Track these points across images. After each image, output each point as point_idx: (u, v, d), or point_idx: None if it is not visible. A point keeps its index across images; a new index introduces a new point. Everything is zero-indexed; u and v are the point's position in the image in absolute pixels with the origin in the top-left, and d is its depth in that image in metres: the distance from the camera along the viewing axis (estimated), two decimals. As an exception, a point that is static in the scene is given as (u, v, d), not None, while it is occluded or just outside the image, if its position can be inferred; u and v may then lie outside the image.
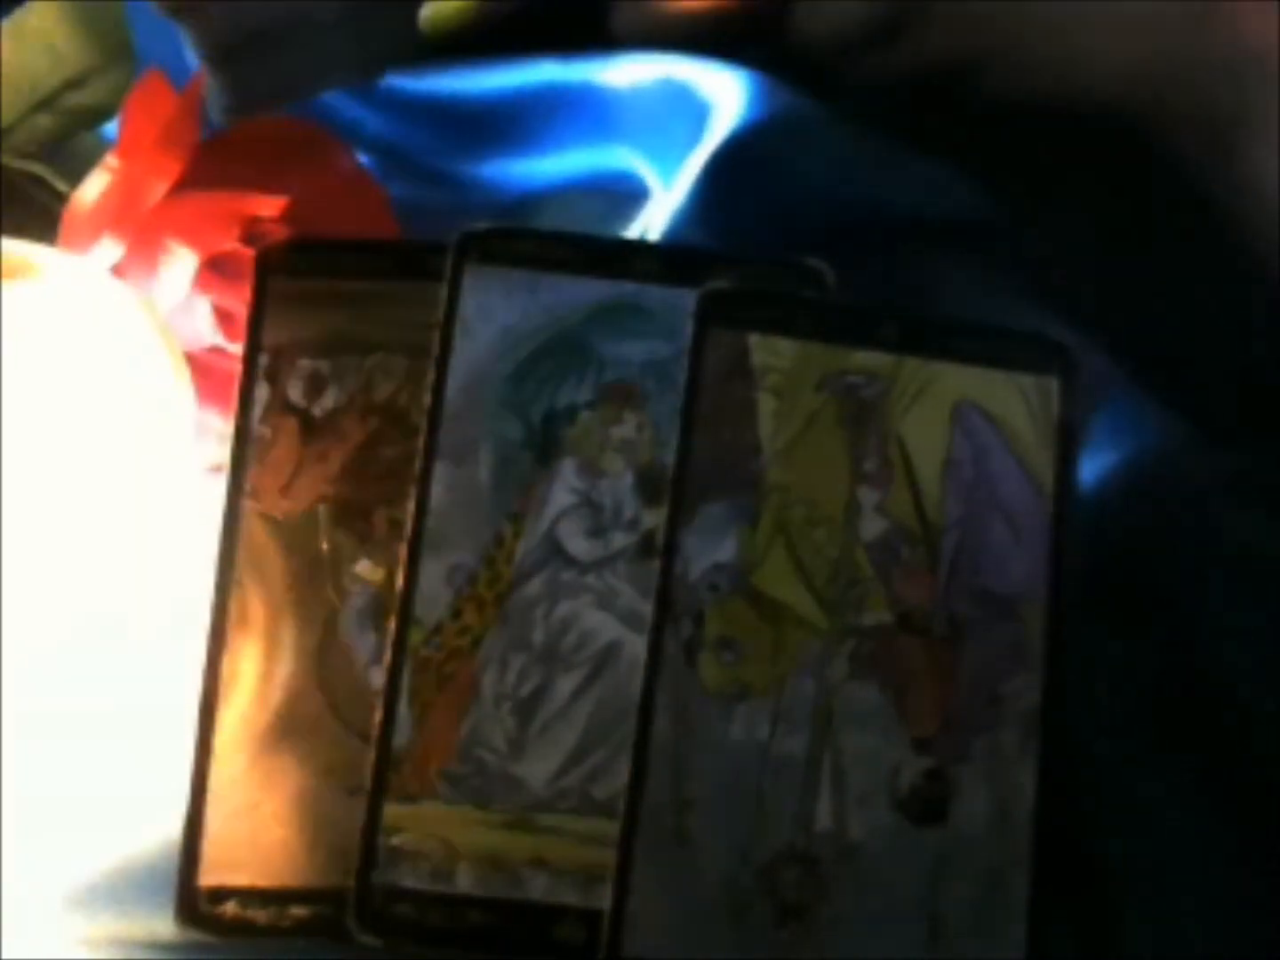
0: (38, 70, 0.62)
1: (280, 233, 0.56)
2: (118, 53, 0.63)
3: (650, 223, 0.61)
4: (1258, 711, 0.51)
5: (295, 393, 0.52)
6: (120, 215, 0.57)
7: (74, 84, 0.62)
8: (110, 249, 0.56)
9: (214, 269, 0.57)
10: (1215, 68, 0.56)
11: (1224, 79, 0.56)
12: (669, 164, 0.61)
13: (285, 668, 0.51)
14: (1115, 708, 0.52)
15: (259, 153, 0.59)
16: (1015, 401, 0.50)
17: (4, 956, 0.48)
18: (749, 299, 0.51)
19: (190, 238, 0.57)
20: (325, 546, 0.52)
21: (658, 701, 0.48)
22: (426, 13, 0.64)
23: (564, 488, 0.51)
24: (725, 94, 0.60)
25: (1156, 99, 0.57)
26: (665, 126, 0.61)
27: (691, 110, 0.60)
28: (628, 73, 0.62)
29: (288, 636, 0.51)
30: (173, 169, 0.57)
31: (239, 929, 0.49)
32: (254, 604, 0.51)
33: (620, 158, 0.64)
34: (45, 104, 0.62)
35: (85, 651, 0.53)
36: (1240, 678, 0.52)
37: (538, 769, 0.49)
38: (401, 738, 0.49)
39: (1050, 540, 0.49)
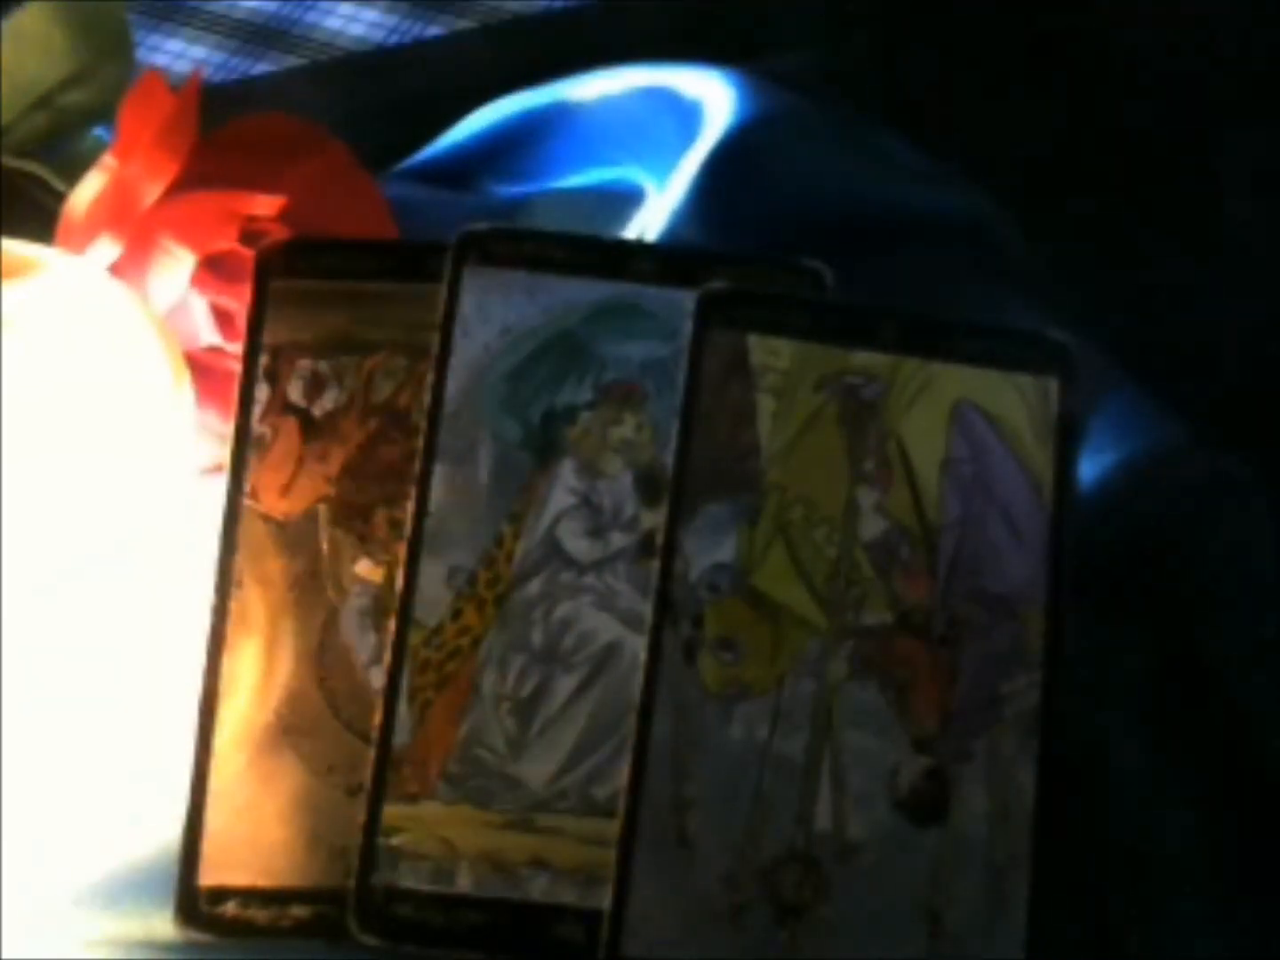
0: (35, 69, 0.61)
1: (278, 232, 0.56)
2: (115, 52, 0.63)
3: (647, 223, 0.61)
4: (1257, 710, 0.51)
5: (295, 393, 0.52)
6: (117, 215, 0.56)
7: (71, 83, 0.62)
8: (107, 248, 0.56)
9: (211, 268, 0.57)
10: None
11: None
12: (662, 166, 0.62)
13: (285, 668, 0.51)
14: (1114, 706, 0.52)
15: (256, 152, 0.59)
16: (1014, 401, 0.50)
17: (4, 956, 0.48)
18: (748, 299, 0.51)
19: (187, 237, 0.57)
20: (325, 546, 0.52)
21: (658, 701, 0.48)
22: None
23: (563, 488, 0.51)
24: (713, 94, 0.60)
25: None
26: (654, 131, 0.61)
27: (680, 112, 0.60)
28: (600, 88, 0.62)
29: (288, 636, 0.51)
30: (170, 168, 0.57)
31: (239, 929, 0.49)
32: (254, 604, 0.51)
33: (612, 167, 0.64)
34: (42, 103, 0.62)
35: (85, 652, 0.52)
36: (1239, 676, 0.52)
37: (537, 769, 0.49)
38: (401, 738, 0.49)
39: (1050, 540, 0.49)
